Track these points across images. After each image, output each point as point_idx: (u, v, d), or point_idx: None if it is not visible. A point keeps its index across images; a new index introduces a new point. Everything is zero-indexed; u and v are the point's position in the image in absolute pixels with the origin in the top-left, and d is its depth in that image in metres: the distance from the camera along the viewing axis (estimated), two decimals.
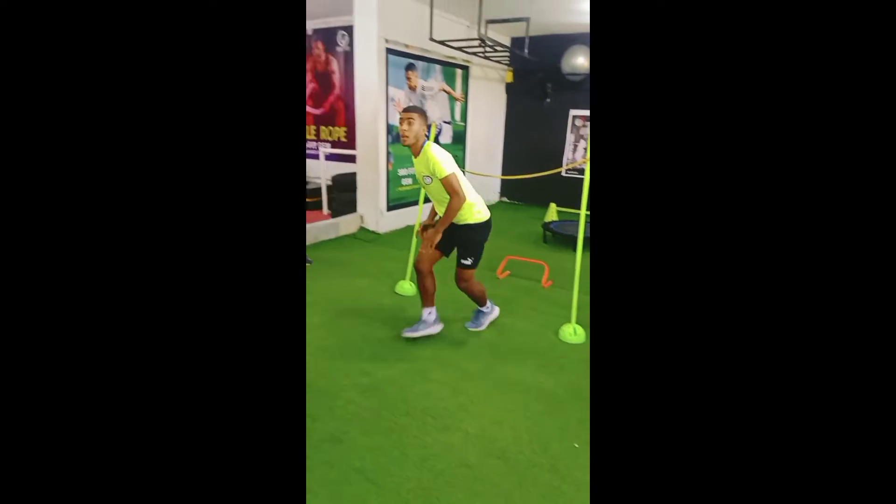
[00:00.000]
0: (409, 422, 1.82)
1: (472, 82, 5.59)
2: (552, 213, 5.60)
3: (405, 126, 2.12)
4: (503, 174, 6.48)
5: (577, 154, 6.04)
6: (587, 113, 5.82)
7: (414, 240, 3.32)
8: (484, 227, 2.39)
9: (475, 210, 2.35)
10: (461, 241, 2.40)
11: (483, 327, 2.64)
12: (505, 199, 6.79)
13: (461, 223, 2.35)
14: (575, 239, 4.54)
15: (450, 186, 2.16)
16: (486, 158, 6.27)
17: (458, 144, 5.61)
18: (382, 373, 2.17)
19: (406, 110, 2.12)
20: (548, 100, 6.01)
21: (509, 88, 6.28)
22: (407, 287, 3.16)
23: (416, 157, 2.23)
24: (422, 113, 2.15)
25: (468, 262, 2.40)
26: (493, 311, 2.69)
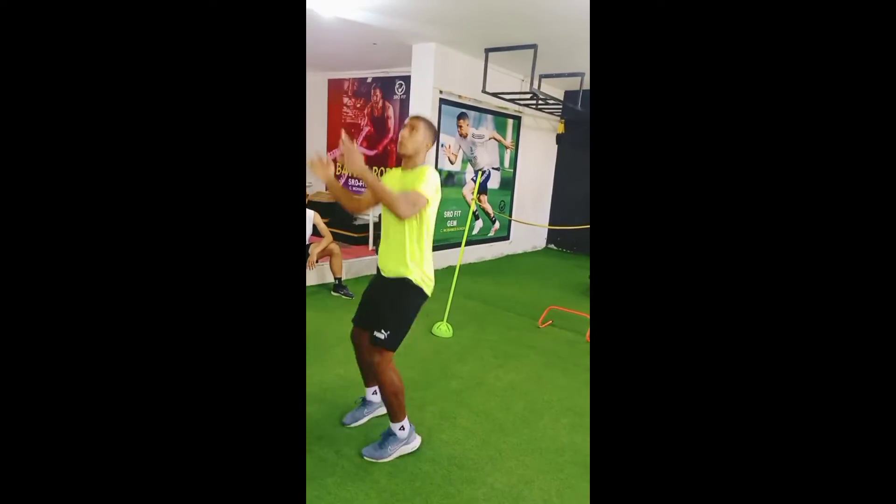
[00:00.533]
0: (434, 469, 1.75)
1: (523, 131, 5.71)
2: None
3: (406, 132, 1.68)
4: (551, 222, 6.44)
5: None
6: None
7: (455, 279, 3.32)
8: (420, 296, 1.74)
9: (423, 270, 1.74)
10: (387, 301, 1.73)
11: (386, 458, 1.75)
12: (552, 246, 6.70)
13: (396, 276, 1.72)
14: None
15: (412, 198, 1.59)
16: (533, 205, 6.27)
17: (505, 190, 5.67)
18: (409, 414, 2.12)
19: (412, 118, 1.72)
20: None
21: (560, 138, 6.35)
22: (444, 329, 3.13)
23: (403, 171, 1.73)
24: (429, 125, 1.72)
25: (382, 335, 1.67)
26: (410, 440, 1.81)
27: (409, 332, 1.76)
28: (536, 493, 1.67)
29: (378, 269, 1.82)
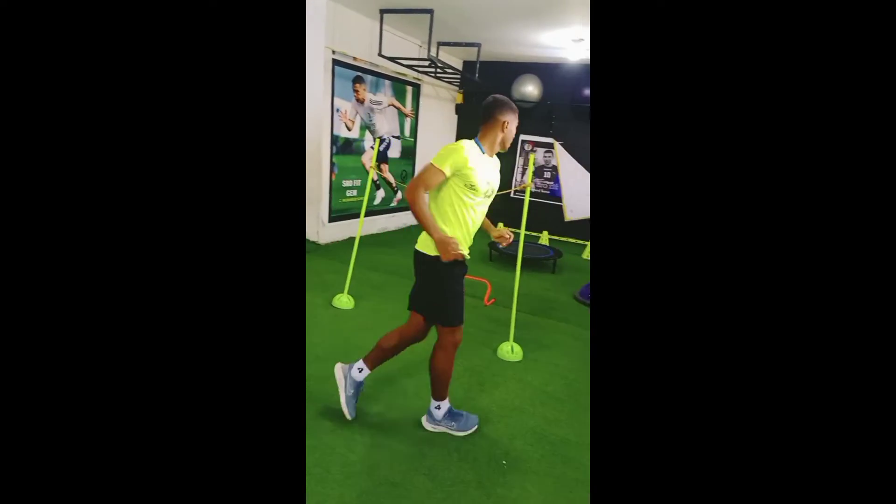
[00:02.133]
0: (335, 440, 1.72)
1: (422, 100, 5.65)
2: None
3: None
4: None
5: (525, 177, 6.22)
6: (535, 139, 6.03)
7: (355, 250, 3.24)
8: (442, 266, 1.57)
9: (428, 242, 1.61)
10: (419, 278, 1.68)
11: (435, 430, 1.82)
12: None
13: (418, 249, 1.65)
14: (515, 258, 4.68)
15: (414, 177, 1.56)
16: None
17: (406, 159, 5.61)
18: (310, 387, 2.05)
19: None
20: None
21: (460, 109, 6.41)
22: (345, 300, 3.06)
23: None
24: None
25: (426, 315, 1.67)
26: (461, 425, 1.81)
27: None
28: (437, 450, 1.73)
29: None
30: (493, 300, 3.43)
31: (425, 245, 1.62)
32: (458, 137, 6.55)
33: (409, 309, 1.79)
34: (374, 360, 1.82)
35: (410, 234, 5.53)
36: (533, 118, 5.97)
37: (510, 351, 2.58)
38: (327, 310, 2.97)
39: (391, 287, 3.54)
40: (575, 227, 5.46)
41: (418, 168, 5.85)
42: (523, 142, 6.13)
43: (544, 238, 5.59)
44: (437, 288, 1.64)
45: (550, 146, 5.85)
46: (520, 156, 6.19)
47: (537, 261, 4.54)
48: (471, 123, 6.39)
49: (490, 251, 4.70)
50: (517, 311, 2.76)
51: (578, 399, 2.20)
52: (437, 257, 1.57)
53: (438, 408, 1.81)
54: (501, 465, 1.68)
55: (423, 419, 1.85)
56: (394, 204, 5.54)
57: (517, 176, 6.25)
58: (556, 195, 5.92)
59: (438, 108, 6.07)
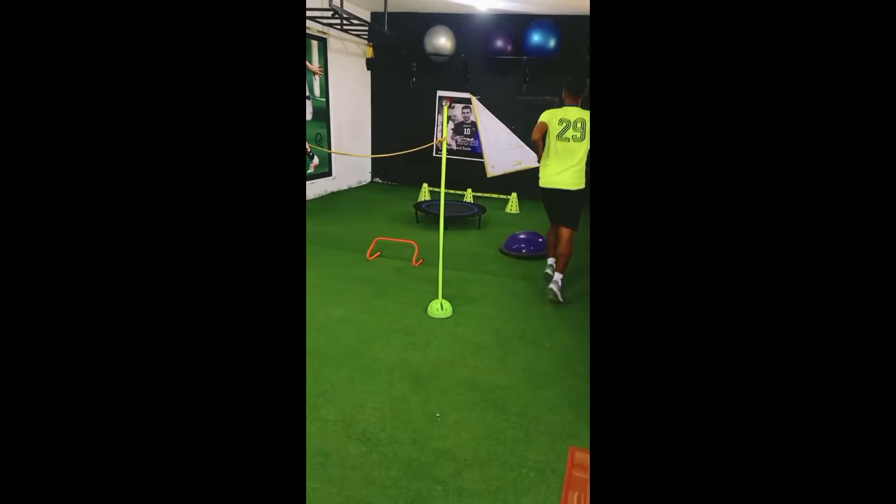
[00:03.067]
0: None
1: (330, 55, 5.29)
2: (425, 193, 5.63)
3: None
4: (374, 153, 6.33)
5: (441, 134, 6.14)
6: (454, 94, 5.93)
7: None
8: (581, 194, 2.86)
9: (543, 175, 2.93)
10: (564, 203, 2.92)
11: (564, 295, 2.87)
12: (378, 179, 6.65)
13: (563, 188, 2.87)
14: (446, 218, 4.70)
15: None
16: (352, 137, 6.04)
17: (320, 121, 5.29)
18: None
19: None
20: (413, 79, 5.98)
21: (372, 65, 6.10)
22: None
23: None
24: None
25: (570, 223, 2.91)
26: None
27: None
28: (370, 413, 1.72)
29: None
30: (421, 261, 3.43)
31: (570, 184, 2.80)
32: (374, 95, 6.27)
33: (554, 223, 3.03)
34: (563, 267, 2.85)
35: (330, 201, 5.31)
36: (448, 72, 5.84)
37: (440, 308, 2.60)
38: None
39: (314, 256, 3.40)
40: (498, 183, 5.56)
41: (334, 130, 5.56)
42: (440, 98, 6.01)
43: (468, 196, 5.63)
44: (577, 208, 2.87)
45: (468, 101, 5.79)
46: (438, 113, 6.08)
47: (462, 218, 4.57)
48: (385, 79, 6.12)
49: (416, 213, 4.65)
50: (445, 268, 2.77)
51: (507, 346, 2.29)
52: (579, 190, 2.81)
53: (563, 278, 2.84)
54: (435, 419, 1.71)
55: (551, 286, 2.81)
56: (311, 170, 5.24)
57: (437, 134, 6.16)
58: (477, 151, 5.94)
59: (349, 64, 5.73)
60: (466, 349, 2.24)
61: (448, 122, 6.07)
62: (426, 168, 5.91)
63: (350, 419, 1.68)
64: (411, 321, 2.50)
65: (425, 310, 2.62)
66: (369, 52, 5.81)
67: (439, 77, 5.91)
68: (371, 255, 3.47)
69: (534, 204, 5.06)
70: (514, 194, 5.40)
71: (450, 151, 6.11)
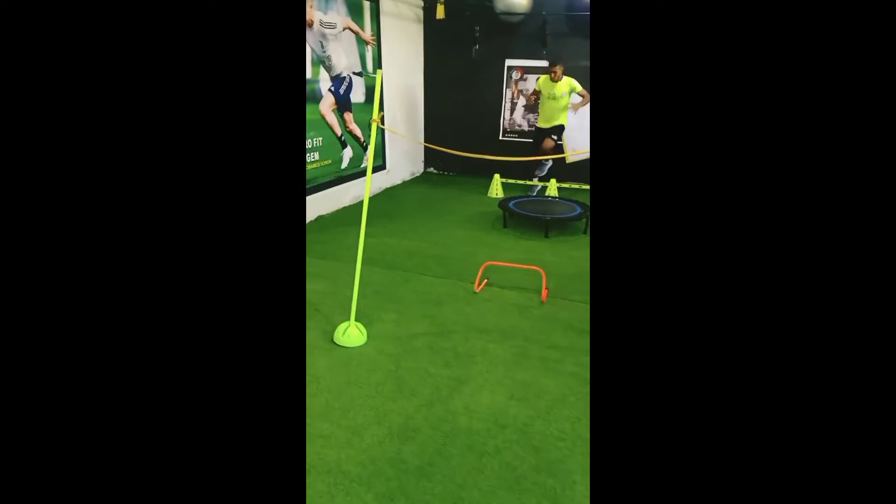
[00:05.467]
0: None
1: (383, 20, 4.29)
2: (496, 186, 4.68)
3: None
4: (427, 140, 5.36)
5: (515, 114, 5.12)
6: (526, 63, 4.89)
7: (360, 255, 2.15)
8: None
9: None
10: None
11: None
12: (432, 169, 5.70)
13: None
14: (544, 220, 3.71)
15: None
16: (406, 120, 5.07)
17: (371, 103, 4.33)
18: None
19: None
20: (476, 46, 4.94)
21: (428, 32, 5.07)
22: (353, 334, 2.02)
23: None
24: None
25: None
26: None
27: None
28: None
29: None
30: (545, 291, 2.51)
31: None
32: (428, 68, 5.25)
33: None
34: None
35: (388, 200, 4.39)
36: (519, 37, 4.79)
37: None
38: (330, 353, 1.92)
39: (404, 289, 2.52)
40: (585, 170, 4.55)
41: (387, 111, 4.59)
42: (510, 68, 4.97)
43: (552, 188, 4.65)
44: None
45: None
46: (507, 87, 5.05)
47: (564, 222, 3.61)
48: (442, 48, 5.08)
49: (504, 214, 3.70)
50: (578, 301, 1.86)
51: None
52: None
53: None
54: None
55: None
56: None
57: (506, 113, 5.15)
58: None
59: (402, 31, 4.72)
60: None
61: (519, 98, 5.04)
62: (493, 153, 4.92)
63: None
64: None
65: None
66: (440, 13, 4.61)
67: (508, 42, 4.87)
68: (479, 286, 2.56)
69: None
70: None
71: (522, 133, 5.11)
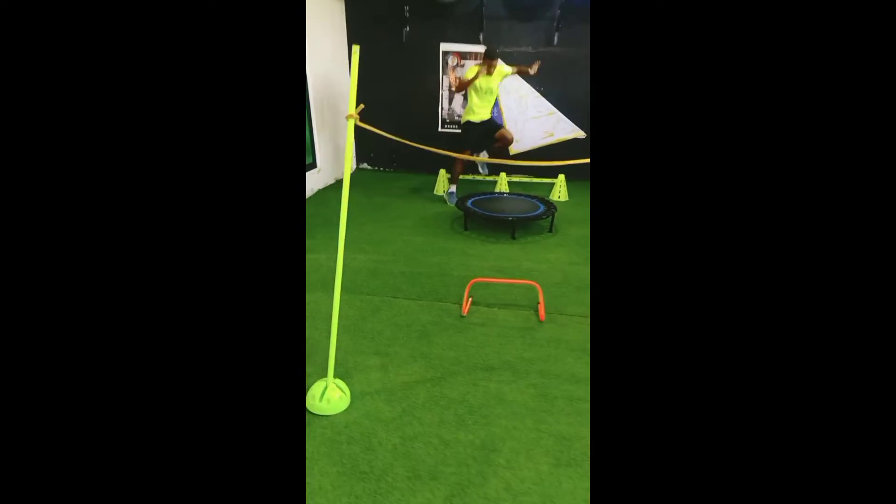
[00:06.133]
0: None
1: None
2: (442, 181, 4.31)
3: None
4: (356, 135, 4.80)
5: (454, 104, 4.76)
6: (462, 48, 4.53)
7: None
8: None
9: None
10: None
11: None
12: (366, 165, 5.15)
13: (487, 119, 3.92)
14: (509, 221, 3.38)
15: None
16: (335, 114, 4.48)
17: None
18: None
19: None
20: (406, 29, 4.48)
21: (352, 14, 4.50)
22: (333, 399, 1.54)
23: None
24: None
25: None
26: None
27: None
28: None
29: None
30: (541, 305, 2.22)
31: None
32: (350, 43, 4.66)
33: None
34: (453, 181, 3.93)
35: (332, 205, 3.84)
36: (454, 20, 4.43)
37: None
38: (310, 422, 1.44)
39: (379, 317, 2.07)
40: (538, 163, 4.36)
41: (313, 103, 3.99)
42: (445, 53, 4.59)
43: (502, 183, 4.38)
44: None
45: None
46: (444, 74, 4.67)
47: (528, 222, 3.36)
48: (366, 32, 4.54)
49: (464, 217, 3.36)
50: (577, 315, 1.62)
51: None
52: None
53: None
54: None
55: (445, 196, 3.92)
56: None
57: (444, 102, 4.77)
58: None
59: (319, 12, 4.11)
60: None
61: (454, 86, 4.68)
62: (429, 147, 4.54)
63: None
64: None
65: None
66: None
67: (442, 26, 4.47)
68: (466, 306, 2.19)
69: (586, 186, 3.96)
70: (560, 177, 4.25)
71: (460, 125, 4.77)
